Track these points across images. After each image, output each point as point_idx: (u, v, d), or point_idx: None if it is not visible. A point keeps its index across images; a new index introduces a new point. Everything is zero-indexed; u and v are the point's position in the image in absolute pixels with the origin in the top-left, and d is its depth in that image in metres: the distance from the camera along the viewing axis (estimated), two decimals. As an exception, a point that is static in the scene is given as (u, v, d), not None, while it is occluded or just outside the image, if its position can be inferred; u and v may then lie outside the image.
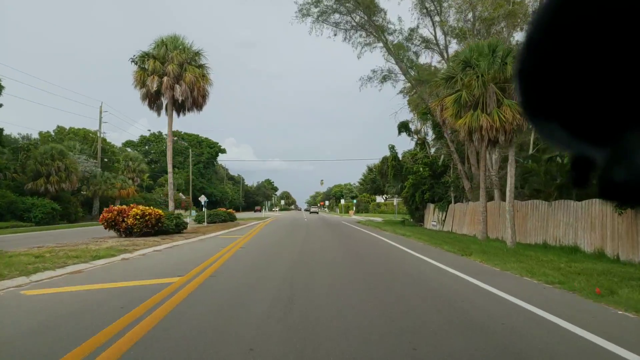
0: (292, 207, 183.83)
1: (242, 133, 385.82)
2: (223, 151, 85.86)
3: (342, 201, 65.47)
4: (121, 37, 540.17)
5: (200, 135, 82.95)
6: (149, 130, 77.93)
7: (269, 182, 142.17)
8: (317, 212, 79.10)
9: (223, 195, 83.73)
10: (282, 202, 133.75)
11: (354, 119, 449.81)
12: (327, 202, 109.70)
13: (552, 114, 0.47)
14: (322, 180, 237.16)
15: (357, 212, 69.63)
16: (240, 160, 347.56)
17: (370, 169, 70.07)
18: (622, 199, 0.44)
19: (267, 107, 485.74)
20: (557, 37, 0.43)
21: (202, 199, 69.50)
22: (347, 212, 66.96)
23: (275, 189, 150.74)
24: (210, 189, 79.83)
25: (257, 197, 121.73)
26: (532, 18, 0.44)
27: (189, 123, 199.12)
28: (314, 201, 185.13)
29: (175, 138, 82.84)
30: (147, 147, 77.60)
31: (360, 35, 26.55)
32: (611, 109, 0.43)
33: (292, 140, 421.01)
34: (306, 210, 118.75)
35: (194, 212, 64.16)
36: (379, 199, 78.71)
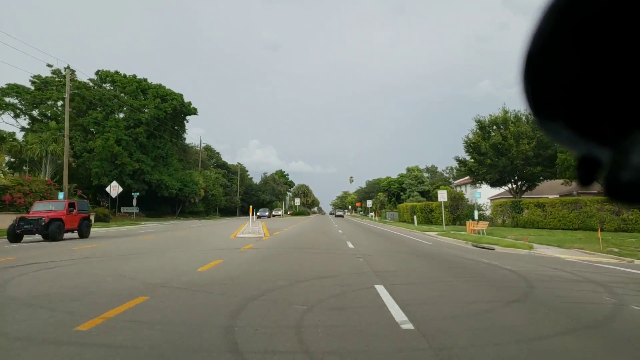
0: (315, 209, 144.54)
1: (266, 135, 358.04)
2: (191, 110, 49.06)
3: (443, 196, 25.34)
4: (159, 36, 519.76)
5: (147, 80, 46.32)
6: (50, 66, 41.93)
7: (281, 174, 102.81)
8: (342, 216, 74.81)
9: (187, 188, 46.84)
10: (297, 201, 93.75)
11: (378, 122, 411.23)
12: (369, 203, 70.73)
13: (558, 113, 0.45)
14: (351, 177, 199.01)
15: (448, 223, 31.93)
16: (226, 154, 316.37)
17: (482, 126, 31.49)
18: (628, 199, 0.42)
19: (292, 108, 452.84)
20: (563, 35, 0.41)
21: (114, 189, 32.07)
22: (436, 220, 28.77)
23: (290, 184, 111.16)
24: (157, 174, 42.85)
25: (262, 195, 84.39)
26: (537, 16, 0.42)
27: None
28: (341, 203, 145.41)
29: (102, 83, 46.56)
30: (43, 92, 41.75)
31: None
32: (617, 108, 0.42)
33: (318, 142, 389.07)
34: (331, 213, 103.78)
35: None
36: (491, 192, 39.82)
